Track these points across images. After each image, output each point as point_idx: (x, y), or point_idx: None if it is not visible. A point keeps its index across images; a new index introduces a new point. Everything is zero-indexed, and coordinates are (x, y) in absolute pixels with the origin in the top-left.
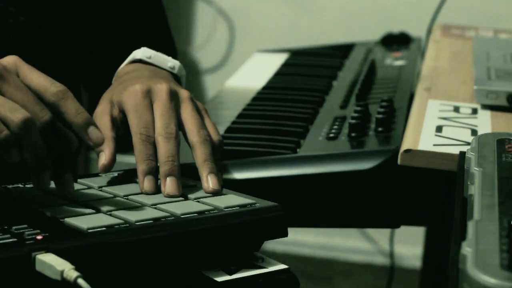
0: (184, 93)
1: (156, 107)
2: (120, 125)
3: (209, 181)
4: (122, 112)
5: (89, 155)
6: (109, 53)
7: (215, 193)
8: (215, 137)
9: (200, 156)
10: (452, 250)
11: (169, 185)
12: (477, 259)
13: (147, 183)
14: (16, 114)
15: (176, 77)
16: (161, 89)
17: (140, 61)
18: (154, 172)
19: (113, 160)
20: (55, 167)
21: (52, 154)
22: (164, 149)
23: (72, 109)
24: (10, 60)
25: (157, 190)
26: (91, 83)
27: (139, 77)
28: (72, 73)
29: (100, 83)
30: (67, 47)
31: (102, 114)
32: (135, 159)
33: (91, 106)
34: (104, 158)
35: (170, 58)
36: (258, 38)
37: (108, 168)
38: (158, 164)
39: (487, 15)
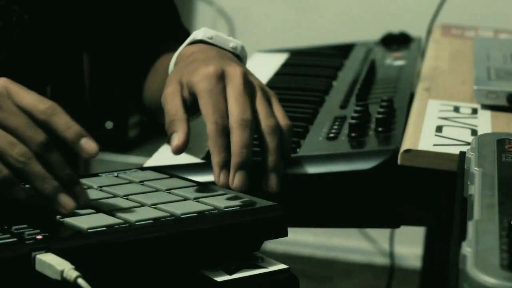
0: (255, 80)
1: (230, 92)
2: (190, 107)
3: (271, 181)
4: (192, 95)
5: None
6: (116, 50)
7: (271, 194)
8: (284, 123)
9: (268, 147)
10: (452, 250)
11: (239, 179)
12: (477, 259)
13: (223, 176)
14: (15, 150)
15: (238, 58)
16: (235, 73)
17: (201, 41)
18: (228, 164)
19: (186, 141)
20: (62, 184)
21: (55, 172)
22: (238, 138)
23: (62, 124)
24: (0, 83)
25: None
26: (96, 80)
27: (208, 58)
28: (75, 69)
29: (105, 80)
30: (70, 43)
31: (173, 96)
32: (210, 149)
33: (91, 107)
34: (177, 139)
35: (231, 38)
36: (258, 38)
37: (181, 149)
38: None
39: (487, 15)
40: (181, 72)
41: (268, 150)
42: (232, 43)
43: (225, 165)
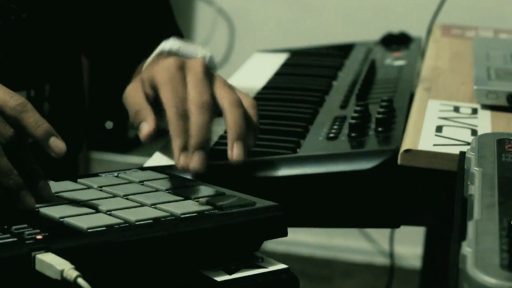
0: (215, 73)
1: (189, 78)
2: (153, 103)
3: (235, 149)
4: (154, 89)
5: (89, 155)
6: (112, 46)
7: (237, 163)
8: (246, 99)
9: (230, 118)
10: (452, 250)
11: (197, 159)
12: (477, 259)
13: (183, 158)
14: None
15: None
16: (195, 63)
17: (169, 53)
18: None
19: (155, 128)
20: (28, 179)
21: (21, 167)
22: (196, 119)
23: (32, 122)
24: None
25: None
26: (99, 72)
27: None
28: (74, 68)
29: (107, 74)
30: (69, 42)
31: (135, 91)
32: (170, 133)
33: (91, 107)
34: (147, 126)
35: (199, 47)
36: (258, 38)
37: (152, 136)
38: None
39: (487, 15)
40: (142, 73)
41: (232, 120)
42: (200, 53)
43: (185, 148)
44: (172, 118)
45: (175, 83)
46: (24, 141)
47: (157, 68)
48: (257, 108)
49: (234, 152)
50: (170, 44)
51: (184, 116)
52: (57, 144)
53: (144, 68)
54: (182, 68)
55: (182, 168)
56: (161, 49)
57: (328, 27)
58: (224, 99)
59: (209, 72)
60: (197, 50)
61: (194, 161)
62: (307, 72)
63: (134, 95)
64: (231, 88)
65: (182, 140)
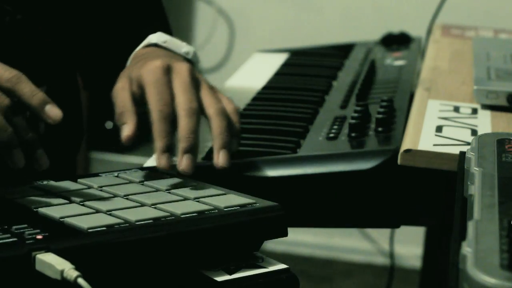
0: (200, 75)
1: (177, 84)
2: (140, 101)
3: (220, 157)
4: (141, 88)
5: (89, 155)
6: (109, 47)
7: (223, 169)
8: (230, 107)
9: (216, 127)
10: (452, 250)
11: (185, 162)
12: (477, 259)
13: (163, 160)
14: None
15: (190, 63)
16: (182, 67)
17: (155, 45)
18: (171, 149)
19: (136, 131)
20: (25, 147)
21: (19, 135)
22: (185, 124)
23: (28, 91)
24: None
25: (172, 167)
26: (90, 79)
27: (159, 56)
28: (70, 70)
29: (99, 79)
30: (64, 44)
31: (122, 90)
32: (153, 135)
33: (91, 107)
34: (127, 129)
35: (184, 44)
36: (258, 38)
37: (131, 139)
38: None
39: (487, 15)
40: (131, 69)
41: (217, 130)
42: (184, 48)
43: (167, 150)
44: (156, 121)
45: (161, 86)
46: (23, 110)
47: (145, 68)
48: (238, 113)
49: (220, 159)
50: (156, 37)
51: (167, 119)
52: (53, 110)
53: (130, 61)
54: (168, 71)
55: (162, 168)
56: (148, 41)
57: (328, 27)
58: (210, 108)
59: (195, 77)
60: (181, 46)
61: (184, 163)
62: (307, 72)
63: (121, 94)
64: (216, 94)
65: (164, 142)
